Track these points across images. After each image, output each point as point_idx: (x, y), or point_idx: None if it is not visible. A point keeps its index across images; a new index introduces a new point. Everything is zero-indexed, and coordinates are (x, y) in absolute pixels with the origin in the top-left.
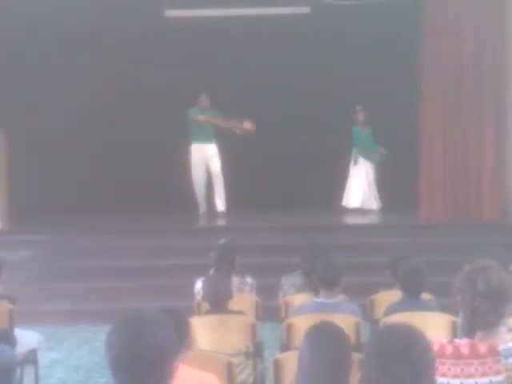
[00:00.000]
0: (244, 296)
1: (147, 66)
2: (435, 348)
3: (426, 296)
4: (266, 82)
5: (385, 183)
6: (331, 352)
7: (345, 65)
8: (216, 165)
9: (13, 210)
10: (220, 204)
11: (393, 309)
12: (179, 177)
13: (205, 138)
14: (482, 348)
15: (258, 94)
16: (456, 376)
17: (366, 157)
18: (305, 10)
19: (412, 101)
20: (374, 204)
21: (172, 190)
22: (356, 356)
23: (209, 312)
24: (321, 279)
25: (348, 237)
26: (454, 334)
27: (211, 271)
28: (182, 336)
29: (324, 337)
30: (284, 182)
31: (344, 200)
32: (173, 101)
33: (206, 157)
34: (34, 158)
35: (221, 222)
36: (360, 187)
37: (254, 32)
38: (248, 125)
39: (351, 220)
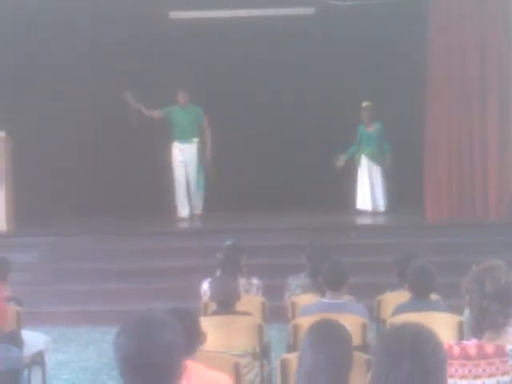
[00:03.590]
0: (250, 297)
1: (152, 68)
2: None
3: (433, 296)
4: (272, 83)
5: (391, 183)
6: (332, 350)
7: (350, 65)
8: (192, 170)
9: (18, 212)
10: (195, 207)
11: (401, 309)
12: None
13: (184, 137)
14: (490, 348)
15: (264, 94)
16: (464, 377)
17: (372, 158)
18: (309, 10)
19: (417, 100)
20: (377, 207)
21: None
22: (362, 356)
23: (216, 313)
24: (326, 280)
25: (354, 237)
26: (462, 334)
27: (217, 272)
28: (194, 333)
29: (326, 334)
30: (291, 183)
31: (358, 203)
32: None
33: (185, 157)
34: (38, 163)
35: (227, 223)
36: (363, 189)
37: (259, 33)
38: None
39: (357, 221)
